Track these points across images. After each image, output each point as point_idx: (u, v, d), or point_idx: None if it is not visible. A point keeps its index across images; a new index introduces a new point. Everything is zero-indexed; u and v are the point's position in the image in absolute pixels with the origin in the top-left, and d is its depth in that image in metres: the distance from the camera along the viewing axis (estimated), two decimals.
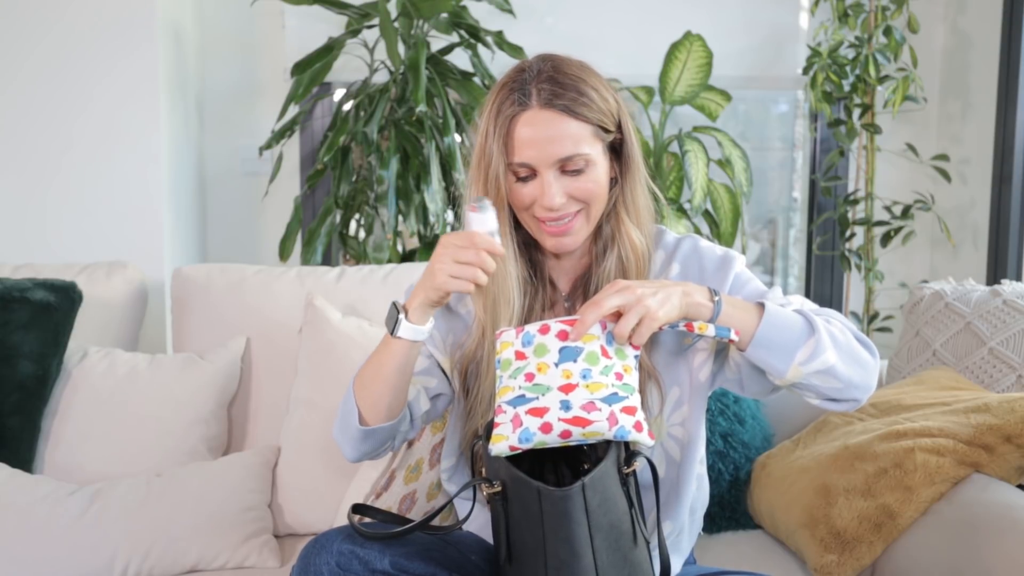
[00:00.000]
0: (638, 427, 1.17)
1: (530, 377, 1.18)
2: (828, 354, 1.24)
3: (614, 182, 1.35)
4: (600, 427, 1.15)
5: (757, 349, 1.24)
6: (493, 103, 1.30)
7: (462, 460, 1.47)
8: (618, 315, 1.19)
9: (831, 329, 1.26)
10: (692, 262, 1.39)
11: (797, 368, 1.24)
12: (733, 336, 1.22)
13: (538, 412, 1.16)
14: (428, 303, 1.27)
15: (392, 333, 1.29)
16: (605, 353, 1.18)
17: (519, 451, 1.17)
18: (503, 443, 1.17)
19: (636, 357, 1.21)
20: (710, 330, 1.21)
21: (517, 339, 1.20)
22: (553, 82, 1.27)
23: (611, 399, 1.16)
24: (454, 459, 1.48)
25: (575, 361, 1.17)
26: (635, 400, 1.18)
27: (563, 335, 1.18)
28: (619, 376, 1.18)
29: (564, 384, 1.17)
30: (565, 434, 1.16)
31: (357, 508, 1.33)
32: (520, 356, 1.19)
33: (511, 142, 1.27)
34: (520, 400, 1.17)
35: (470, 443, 1.41)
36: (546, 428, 1.16)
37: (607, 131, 1.30)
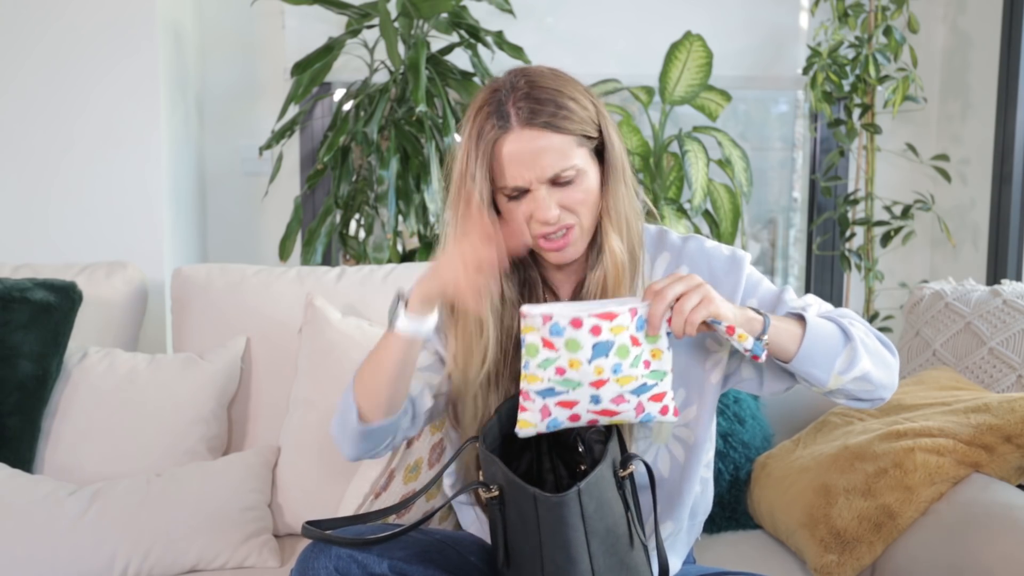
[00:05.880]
0: (663, 411, 1.22)
1: (561, 371, 1.17)
2: (863, 361, 1.26)
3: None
4: (627, 417, 1.20)
5: (802, 363, 1.25)
6: (472, 127, 1.27)
7: (456, 473, 1.46)
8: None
9: (859, 334, 1.28)
10: (700, 263, 1.38)
11: (837, 377, 1.26)
12: (762, 355, 1.21)
13: (568, 404, 1.19)
14: (427, 294, 1.24)
15: (390, 326, 1.26)
16: (635, 342, 1.18)
17: (544, 433, 1.23)
18: (531, 429, 1.20)
19: (668, 335, 1.21)
20: (748, 342, 1.20)
21: (544, 327, 1.17)
22: (530, 99, 1.25)
23: (640, 390, 1.19)
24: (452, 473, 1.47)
25: (607, 356, 1.17)
26: (664, 384, 1.21)
27: (596, 330, 1.17)
28: (647, 364, 1.19)
29: (595, 380, 1.17)
30: (592, 422, 1.21)
31: (311, 523, 1.27)
32: (548, 345, 1.17)
33: (497, 165, 1.26)
34: (549, 392, 1.18)
35: (462, 446, 1.40)
36: (574, 418, 1.20)
37: (590, 138, 1.29)
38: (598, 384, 1.17)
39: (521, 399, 1.19)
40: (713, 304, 1.19)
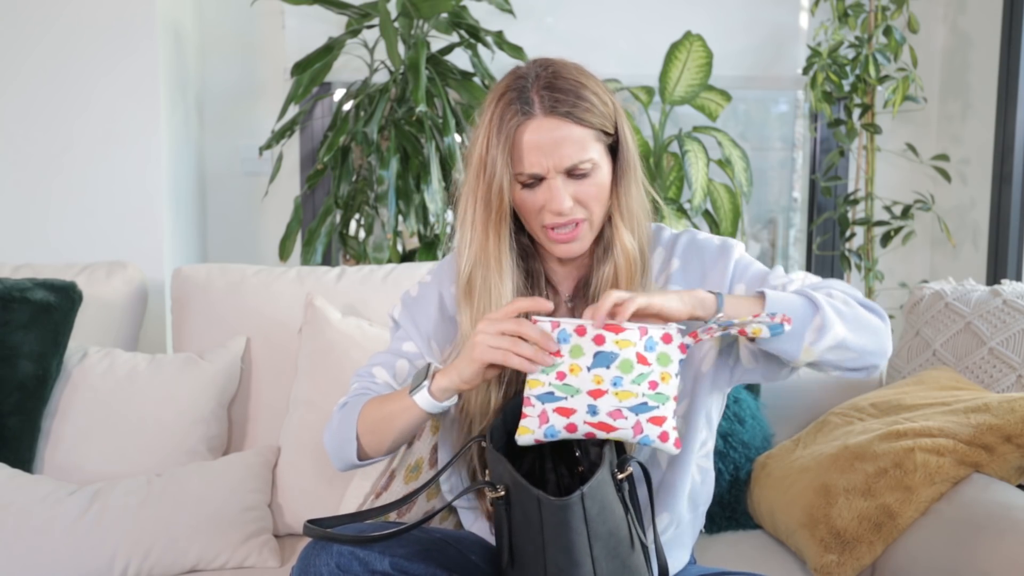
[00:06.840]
0: (663, 437, 1.19)
1: (561, 376, 1.18)
2: (836, 329, 1.24)
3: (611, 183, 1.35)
4: (625, 435, 1.18)
5: (768, 339, 1.24)
6: (493, 112, 1.29)
7: (456, 472, 1.46)
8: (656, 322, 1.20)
9: (833, 303, 1.26)
10: (692, 255, 1.40)
11: (809, 349, 1.24)
12: (787, 327, 1.20)
13: (565, 412, 1.18)
14: (460, 382, 1.25)
15: (410, 393, 1.28)
16: (642, 360, 1.18)
17: (543, 443, 1.22)
18: (529, 435, 1.19)
19: (681, 362, 1.20)
20: (764, 332, 1.19)
21: (553, 333, 1.19)
22: (554, 88, 1.27)
23: (639, 408, 1.17)
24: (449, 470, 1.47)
25: (608, 367, 1.17)
26: (666, 409, 1.18)
27: (600, 339, 1.18)
28: (653, 385, 1.18)
29: (593, 389, 1.17)
30: (589, 435, 1.19)
31: (312, 522, 1.28)
32: (554, 352, 1.19)
33: (516, 151, 1.27)
34: (549, 397, 1.18)
35: (466, 445, 1.40)
36: (571, 428, 1.18)
37: (607, 134, 1.31)
38: (596, 394, 1.17)
39: (523, 405, 1.20)
40: (643, 296, 1.18)
